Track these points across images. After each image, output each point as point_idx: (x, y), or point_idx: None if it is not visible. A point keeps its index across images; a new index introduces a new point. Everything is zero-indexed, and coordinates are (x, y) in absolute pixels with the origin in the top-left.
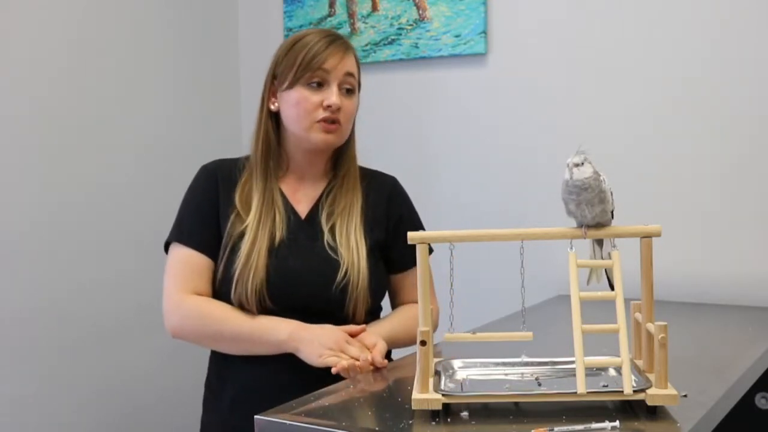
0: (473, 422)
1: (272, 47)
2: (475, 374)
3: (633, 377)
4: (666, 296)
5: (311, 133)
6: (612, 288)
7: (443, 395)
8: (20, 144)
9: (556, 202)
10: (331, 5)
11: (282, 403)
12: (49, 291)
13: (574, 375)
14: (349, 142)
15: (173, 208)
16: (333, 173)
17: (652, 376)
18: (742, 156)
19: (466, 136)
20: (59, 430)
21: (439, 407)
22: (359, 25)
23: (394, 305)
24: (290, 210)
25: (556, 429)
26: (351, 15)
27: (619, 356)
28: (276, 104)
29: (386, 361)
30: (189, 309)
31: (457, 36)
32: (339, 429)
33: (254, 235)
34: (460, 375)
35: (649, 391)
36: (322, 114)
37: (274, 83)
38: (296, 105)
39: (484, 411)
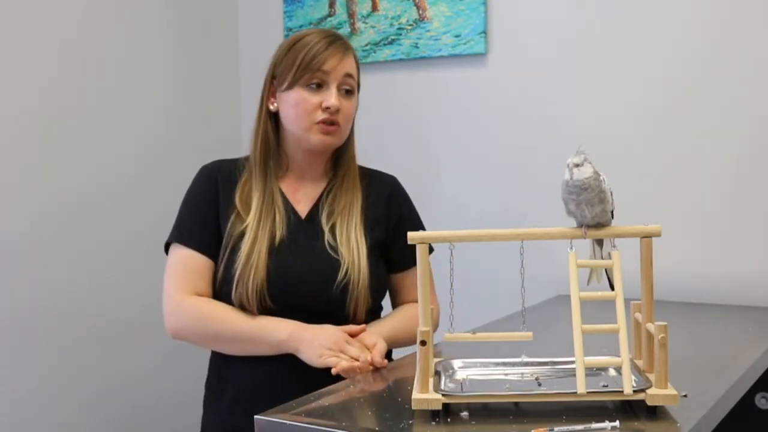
0: (473, 422)
1: (272, 47)
2: (475, 374)
3: (633, 377)
4: (666, 296)
5: (310, 135)
6: (612, 288)
7: (443, 395)
8: (20, 144)
9: (556, 202)
10: (331, 5)
11: (282, 403)
12: (49, 291)
13: (574, 375)
14: (349, 142)
15: (173, 208)
16: (333, 173)
17: (652, 376)
18: (742, 156)
19: (466, 136)
20: (59, 430)
21: (439, 407)
22: (359, 25)
23: (395, 305)
24: (290, 210)
25: (556, 429)
26: (351, 15)
27: (619, 356)
28: (275, 104)
29: (386, 361)
30: (189, 310)
31: (457, 36)
32: (339, 429)
33: (254, 235)
34: (460, 375)
35: (649, 391)
36: (321, 115)
37: (273, 83)
38: (295, 106)
39: (484, 411)
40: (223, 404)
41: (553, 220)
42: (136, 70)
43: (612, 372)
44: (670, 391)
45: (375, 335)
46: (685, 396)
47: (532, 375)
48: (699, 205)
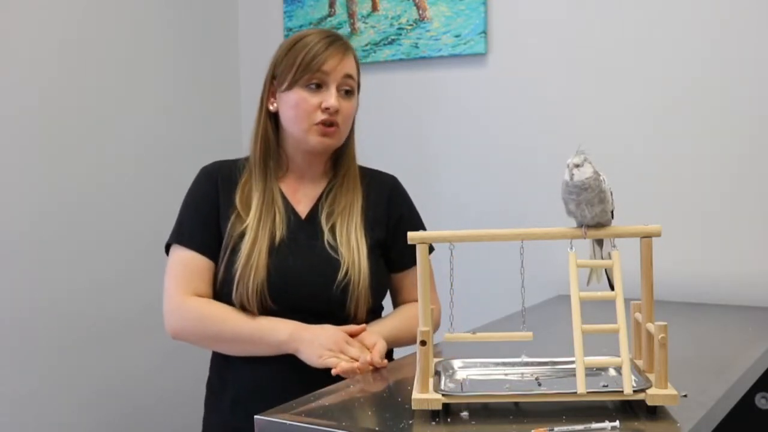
0: (473, 422)
1: (272, 47)
2: (475, 374)
3: (633, 377)
4: (666, 296)
5: (309, 136)
6: (612, 288)
7: (443, 395)
8: (20, 144)
9: (556, 202)
10: (331, 5)
11: (283, 403)
12: (49, 291)
13: (574, 375)
14: (349, 142)
15: (173, 208)
16: (333, 173)
17: (652, 376)
18: (742, 156)
19: (466, 136)
20: (59, 430)
21: (439, 407)
22: (359, 25)
23: (396, 304)
24: (290, 210)
25: (556, 429)
26: (351, 15)
27: (619, 356)
28: (275, 105)
29: (386, 361)
30: (189, 310)
31: (457, 36)
32: (339, 429)
33: (254, 235)
34: (460, 375)
35: (649, 391)
36: (320, 116)
37: (273, 84)
38: (295, 106)
39: (484, 411)
40: (224, 404)
41: (553, 220)
42: (136, 70)
43: (612, 372)
44: (670, 391)
45: (375, 335)
46: (685, 396)
47: (532, 375)
48: (699, 205)
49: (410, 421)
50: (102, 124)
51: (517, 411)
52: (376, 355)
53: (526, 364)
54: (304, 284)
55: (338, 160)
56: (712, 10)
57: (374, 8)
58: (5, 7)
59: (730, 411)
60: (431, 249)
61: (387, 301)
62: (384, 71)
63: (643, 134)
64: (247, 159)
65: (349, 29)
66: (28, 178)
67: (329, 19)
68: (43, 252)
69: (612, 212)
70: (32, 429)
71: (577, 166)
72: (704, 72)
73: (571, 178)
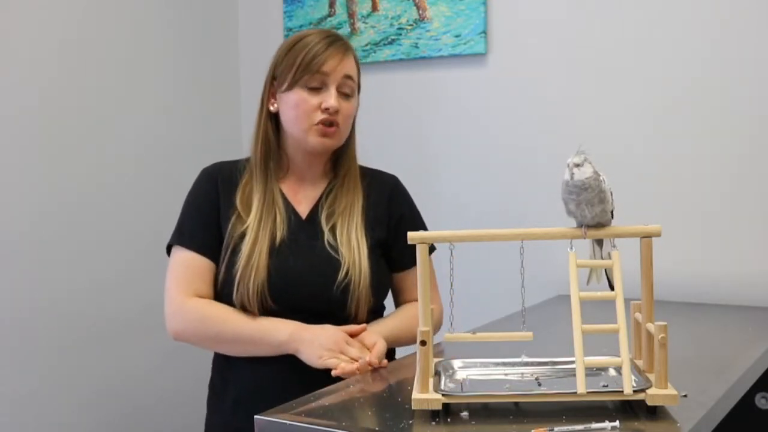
0: (473, 422)
1: (272, 47)
2: (475, 374)
3: (633, 377)
4: (666, 296)
5: (309, 136)
6: (612, 288)
7: (443, 395)
8: (20, 144)
9: (556, 202)
10: (331, 5)
11: (285, 403)
12: (49, 291)
13: (574, 375)
14: (350, 142)
15: (173, 208)
16: (333, 173)
17: (652, 376)
18: (742, 156)
19: (466, 136)
20: (59, 430)
21: (439, 407)
22: (359, 25)
23: (398, 304)
24: (291, 210)
25: (556, 429)
26: (351, 15)
27: (619, 356)
28: (275, 105)
29: (385, 361)
30: (190, 312)
31: (457, 36)
32: (339, 429)
33: (255, 236)
34: (460, 375)
35: (649, 391)
36: (320, 116)
37: (273, 84)
38: (295, 107)
39: (484, 411)
40: (226, 405)
41: (553, 220)
42: (136, 70)
43: (612, 372)
44: (670, 391)
45: (375, 335)
46: (685, 396)
47: (532, 375)
48: (699, 205)
49: (410, 421)
50: (102, 124)
51: (517, 411)
52: (374, 356)
53: (526, 364)
54: (304, 284)
55: (339, 160)
56: (712, 10)
57: (374, 8)
58: (5, 7)
59: (730, 411)
60: (432, 248)
61: (389, 301)
62: (384, 71)
63: (643, 134)
64: (247, 160)
65: (349, 29)
66: (28, 178)
67: (329, 19)
68: (43, 252)
69: (612, 212)
70: (32, 429)
71: (577, 165)
72: (704, 72)
73: (571, 178)
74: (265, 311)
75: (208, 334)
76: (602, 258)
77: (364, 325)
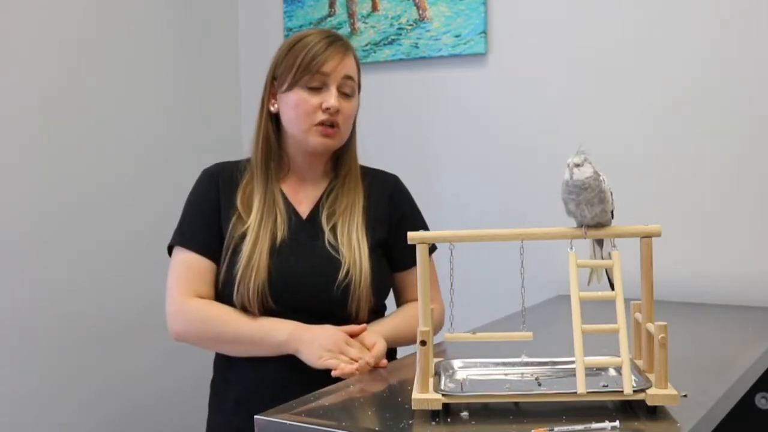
0: (473, 422)
1: (272, 47)
2: (475, 374)
3: (633, 377)
4: (666, 296)
5: (309, 136)
6: (612, 288)
7: (443, 395)
8: (20, 144)
9: (556, 202)
10: (331, 5)
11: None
12: (49, 291)
13: (574, 375)
14: (351, 142)
15: (173, 208)
16: (334, 173)
17: (652, 376)
18: (742, 156)
19: (466, 136)
20: (59, 430)
21: (439, 407)
22: (359, 25)
23: (399, 304)
24: (291, 210)
25: (556, 429)
26: (351, 15)
27: (619, 356)
28: (276, 106)
29: (385, 361)
30: (191, 312)
31: (457, 36)
32: (339, 429)
33: (256, 236)
34: (460, 375)
35: (649, 391)
36: (320, 116)
37: (274, 85)
38: (295, 107)
39: (484, 411)
40: (227, 405)
41: (553, 220)
42: (136, 70)
43: (612, 372)
44: (670, 391)
45: (375, 335)
46: (685, 396)
47: (532, 375)
48: (699, 205)
49: (410, 421)
50: (102, 124)
51: (517, 411)
52: (372, 356)
53: (526, 364)
54: (304, 284)
55: (339, 160)
56: (712, 10)
57: (374, 8)
58: (5, 7)
59: (730, 411)
60: (434, 248)
61: (390, 301)
62: (384, 71)
63: (643, 134)
64: (248, 160)
65: (349, 29)
66: (28, 178)
67: (329, 19)
68: (43, 252)
69: (612, 212)
70: (32, 429)
71: (577, 165)
72: (704, 72)
73: (571, 178)
74: (266, 311)
75: (209, 334)
76: (602, 258)
77: (364, 325)
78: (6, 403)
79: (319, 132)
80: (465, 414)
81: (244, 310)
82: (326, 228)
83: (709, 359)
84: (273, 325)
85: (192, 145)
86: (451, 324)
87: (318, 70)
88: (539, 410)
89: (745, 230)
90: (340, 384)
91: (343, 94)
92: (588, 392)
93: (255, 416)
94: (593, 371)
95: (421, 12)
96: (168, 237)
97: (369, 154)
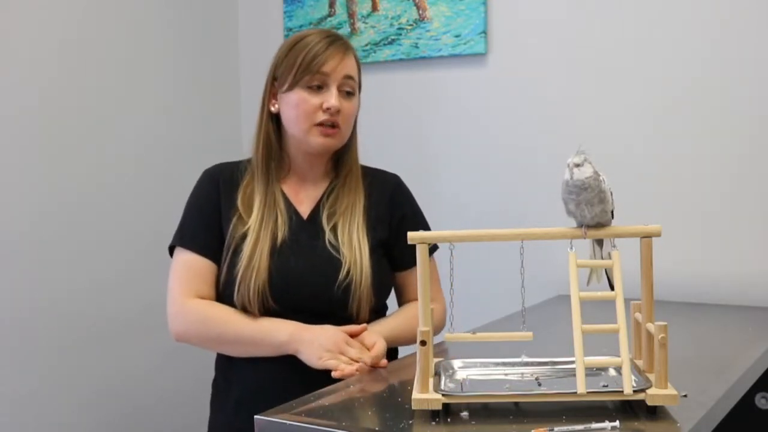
0: (473, 422)
1: (272, 47)
2: (475, 374)
3: (633, 377)
4: (666, 296)
5: (310, 136)
6: (612, 288)
7: (443, 395)
8: (20, 144)
9: (556, 202)
10: (331, 5)
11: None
12: (49, 291)
13: (574, 375)
14: (351, 142)
15: (173, 208)
16: (335, 173)
17: (652, 376)
18: (742, 156)
19: (466, 136)
20: (59, 430)
21: (439, 407)
22: (359, 25)
23: (401, 303)
24: (292, 211)
25: (556, 429)
26: (351, 15)
27: (619, 356)
28: (276, 106)
29: (385, 361)
30: (191, 313)
31: (457, 36)
32: (339, 429)
33: (256, 236)
34: (460, 375)
35: (649, 391)
36: (321, 116)
37: (274, 85)
38: (296, 107)
39: (484, 411)
40: (229, 405)
41: (553, 220)
42: (136, 70)
43: (612, 372)
44: (670, 391)
45: (375, 335)
46: (685, 396)
47: (532, 375)
48: (699, 205)
49: (410, 421)
50: (102, 124)
51: (517, 411)
52: (372, 356)
53: (526, 364)
54: (305, 284)
55: (340, 160)
56: (712, 10)
57: (374, 8)
58: (5, 7)
59: (730, 411)
60: (435, 248)
61: (392, 301)
62: (384, 71)
63: (643, 134)
64: (249, 161)
65: (349, 29)
66: (28, 178)
67: (329, 19)
68: (43, 252)
69: (612, 212)
70: (32, 429)
71: (577, 165)
72: (704, 72)
73: (571, 178)
74: (267, 311)
75: (209, 335)
76: (602, 258)
77: (364, 325)
78: (6, 403)
79: (319, 132)
80: (465, 414)
81: (245, 310)
82: (327, 228)
83: (709, 359)
84: (274, 326)
85: (192, 145)
86: (451, 324)
87: (318, 70)
88: (539, 410)
89: (745, 230)
90: (340, 384)
91: (344, 94)
92: (588, 392)
93: (255, 416)
94: (593, 371)
95: (421, 12)
96: (168, 237)
97: (369, 154)
